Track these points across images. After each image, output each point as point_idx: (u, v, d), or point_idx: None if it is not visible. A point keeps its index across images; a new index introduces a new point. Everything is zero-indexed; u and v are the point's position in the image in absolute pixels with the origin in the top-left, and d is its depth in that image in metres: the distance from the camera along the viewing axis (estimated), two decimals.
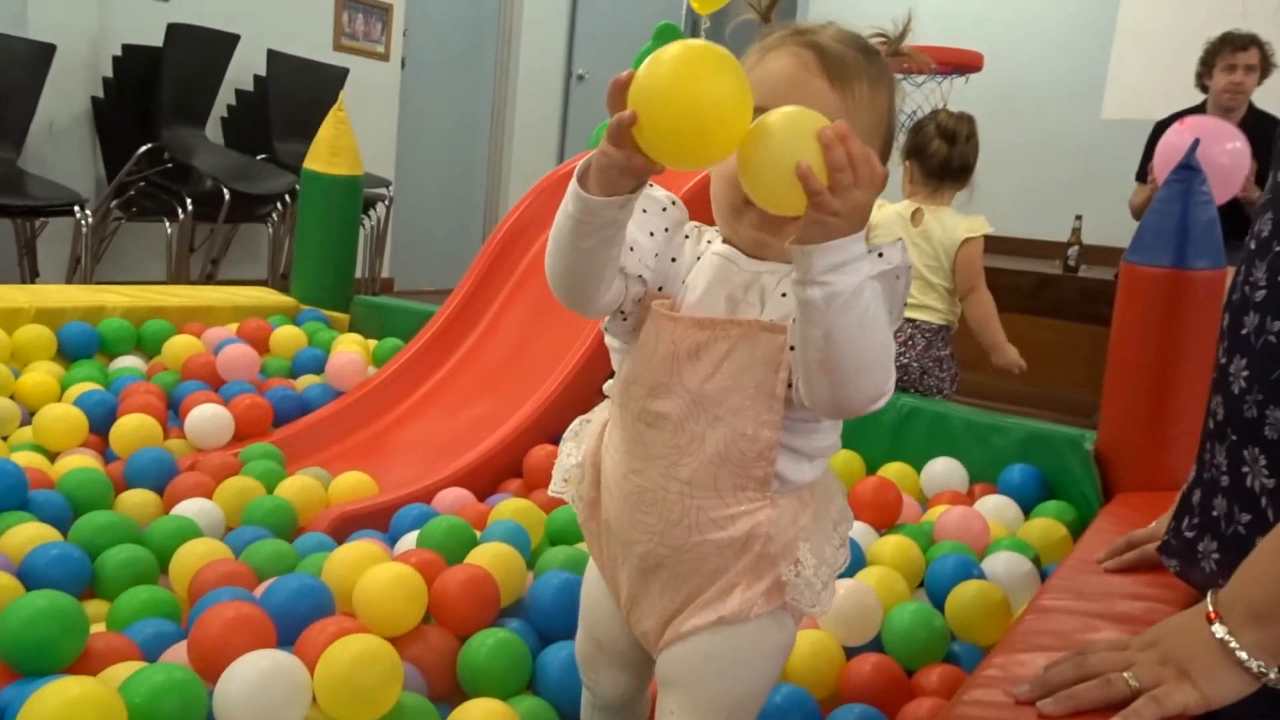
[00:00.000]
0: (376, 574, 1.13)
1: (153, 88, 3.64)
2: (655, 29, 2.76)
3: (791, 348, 0.77)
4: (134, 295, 2.30)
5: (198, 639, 1.02)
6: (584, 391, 1.86)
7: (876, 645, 1.23)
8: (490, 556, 1.26)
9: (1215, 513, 0.84)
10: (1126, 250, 1.60)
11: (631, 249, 0.82)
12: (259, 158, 4.08)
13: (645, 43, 2.74)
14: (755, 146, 0.69)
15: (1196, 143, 1.54)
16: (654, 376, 0.81)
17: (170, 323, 2.22)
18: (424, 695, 1.06)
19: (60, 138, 3.67)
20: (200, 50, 3.83)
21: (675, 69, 0.68)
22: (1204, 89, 3.34)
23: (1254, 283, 0.81)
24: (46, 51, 3.36)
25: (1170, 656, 0.71)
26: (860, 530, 1.48)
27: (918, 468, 1.78)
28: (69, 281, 3.43)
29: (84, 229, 3.26)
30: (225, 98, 4.13)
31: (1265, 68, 3.22)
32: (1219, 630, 0.69)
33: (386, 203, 4.61)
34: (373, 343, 2.34)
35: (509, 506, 1.49)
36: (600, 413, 0.93)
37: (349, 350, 2.19)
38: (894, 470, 1.77)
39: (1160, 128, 3.45)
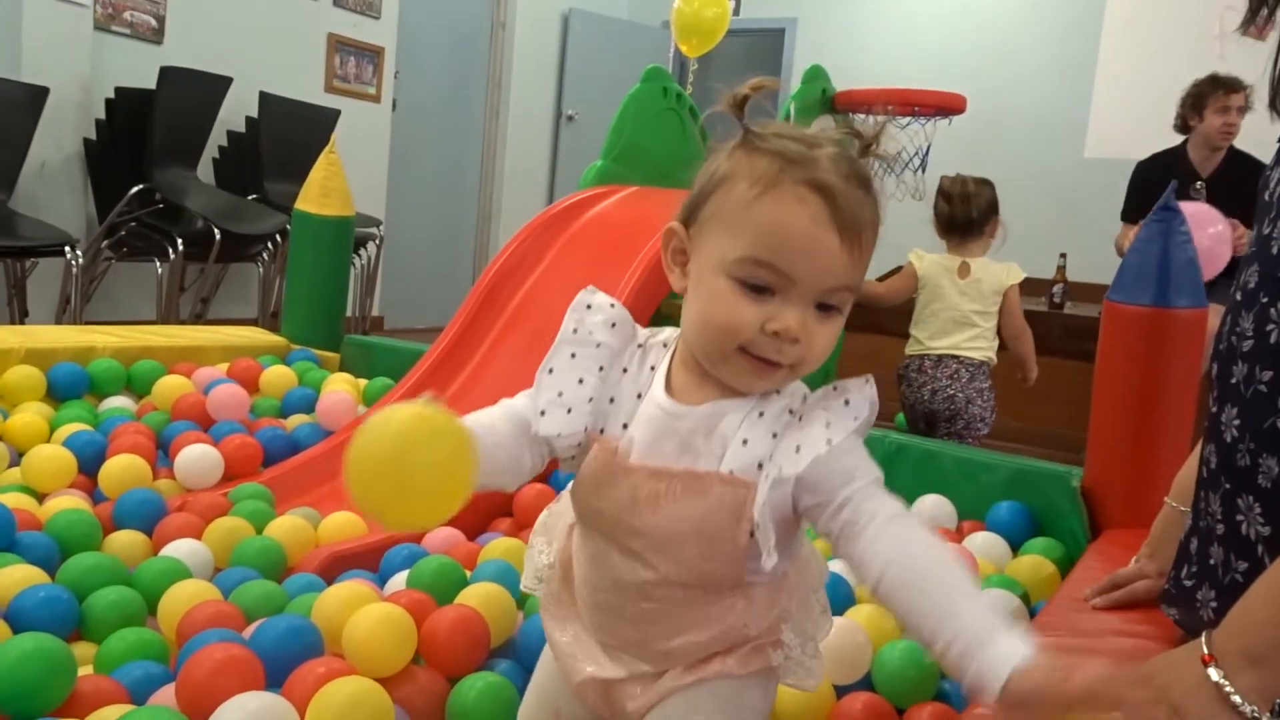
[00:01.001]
0: (365, 614, 1.12)
1: (145, 129, 3.67)
2: (644, 71, 2.81)
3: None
4: (124, 335, 2.30)
5: (186, 681, 1.01)
6: None
7: (867, 684, 1.23)
8: (480, 596, 1.26)
9: (1212, 561, 0.84)
10: (1109, 289, 1.62)
11: (561, 397, 0.80)
12: (250, 198, 4.10)
13: (634, 85, 2.78)
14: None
15: (1175, 183, 1.57)
16: (618, 515, 0.80)
17: (160, 363, 2.22)
18: None
19: (52, 178, 3.68)
20: (193, 92, 3.87)
21: (379, 453, 0.67)
22: (1184, 130, 3.40)
23: (1240, 333, 0.83)
24: (39, 94, 3.39)
25: (1164, 697, 0.69)
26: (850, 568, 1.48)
27: (907, 504, 1.78)
28: (58, 321, 3.43)
29: (74, 269, 3.27)
30: (217, 139, 4.16)
31: (1246, 109, 3.30)
32: (1214, 674, 0.68)
33: (377, 242, 4.63)
34: (363, 382, 2.34)
35: (499, 546, 1.49)
36: (565, 504, 0.91)
37: (339, 390, 2.19)
38: None
39: (1141, 168, 3.51)
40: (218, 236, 3.66)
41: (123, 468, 1.69)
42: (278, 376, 2.26)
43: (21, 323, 3.38)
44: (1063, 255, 4.40)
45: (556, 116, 6.18)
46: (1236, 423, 0.81)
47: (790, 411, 0.79)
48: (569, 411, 0.81)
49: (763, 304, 0.74)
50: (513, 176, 5.95)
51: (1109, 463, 1.63)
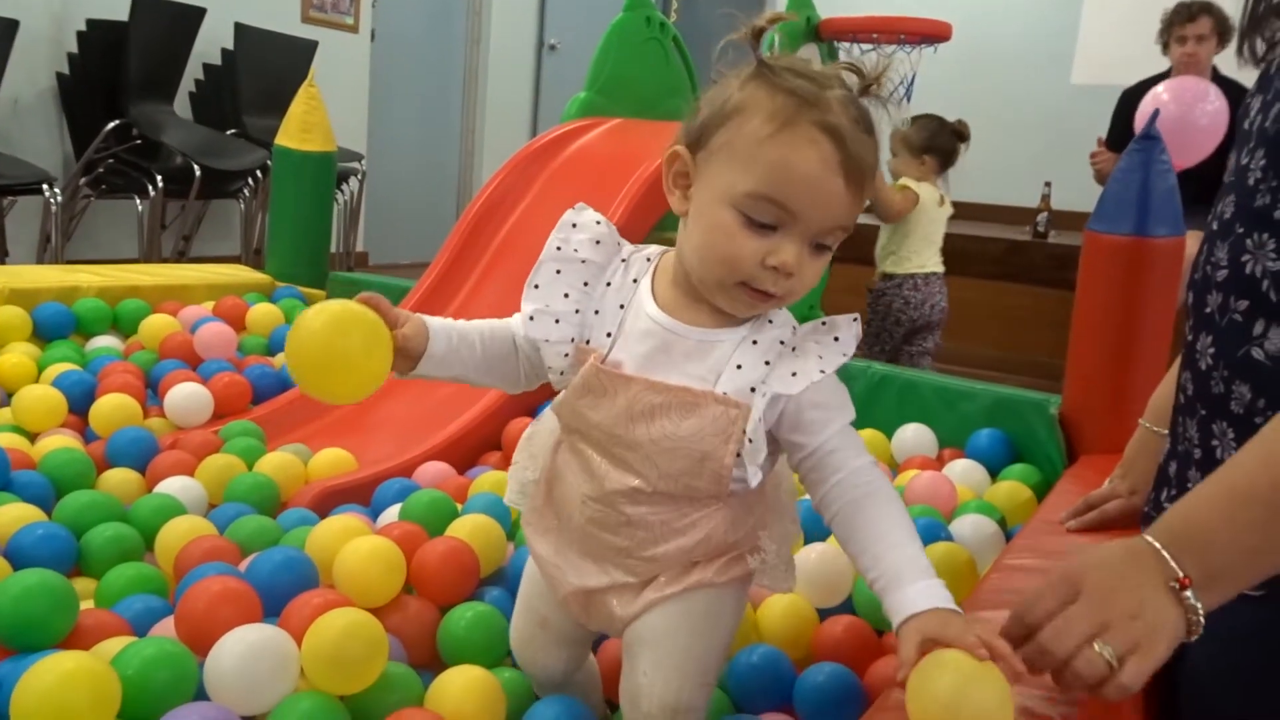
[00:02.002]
0: (356, 547, 1.14)
1: (119, 63, 3.60)
2: (626, 0, 2.75)
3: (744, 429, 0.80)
4: (108, 275, 2.29)
5: (185, 613, 1.04)
6: None
7: (848, 607, 1.27)
8: (471, 528, 1.28)
9: (1190, 484, 0.86)
10: (1090, 218, 1.63)
11: (548, 308, 0.85)
12: (229, 133, 4.04)
13: (617, 14, 2.74)
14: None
15: (1156, 114, 1.58)
16: (612, 427, 0.83)
17: (146, 302, 2.22)
18: (405, 664, 1.09)
19: (26, 115, 3.62)
20: (166, 24, 3.78)
21: (309, 339, 0.80)
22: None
23: (1215, 262, 0.84)
24: (9, 28, 3.31)
25: (1139, 614, 0.67)
26: None
27: (889, 434, 1.82)
28: (39, 261, 3.40)
29: (54, 207, 3.23)
30: (193, 72, 4.08)
31: (1223, 32, 3.25)
32: (1190, 596, 0.67)
33: (360, 177, 4.58)
34: None
35: (489, 479, 1.52)
36: (548, 422, 0.94)
37: None
38: (865, 437, 1.79)
39: (1127, 94, 3.49)
40: (198, 173, 3.61)
41: (114, 407, 1.70)
42: (264, 314, 2.26)
43: (2, 263, 3.35)
44: (1047, 184, 4.39)
45: (539, 46, 6.07)
46: (1211, 350, 0.83)
47: (782, 342, 0.83)
48: (556, 322, 0.85)
49: (764, 238, 0.77)
50: (495, 108, 5.86)
51: (1087, 390, 1.66)
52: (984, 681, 0.66)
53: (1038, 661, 0.70)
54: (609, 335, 0.85)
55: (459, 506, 1.42)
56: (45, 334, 2.04)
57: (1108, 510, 1.15)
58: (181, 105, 4.06)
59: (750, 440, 0.80)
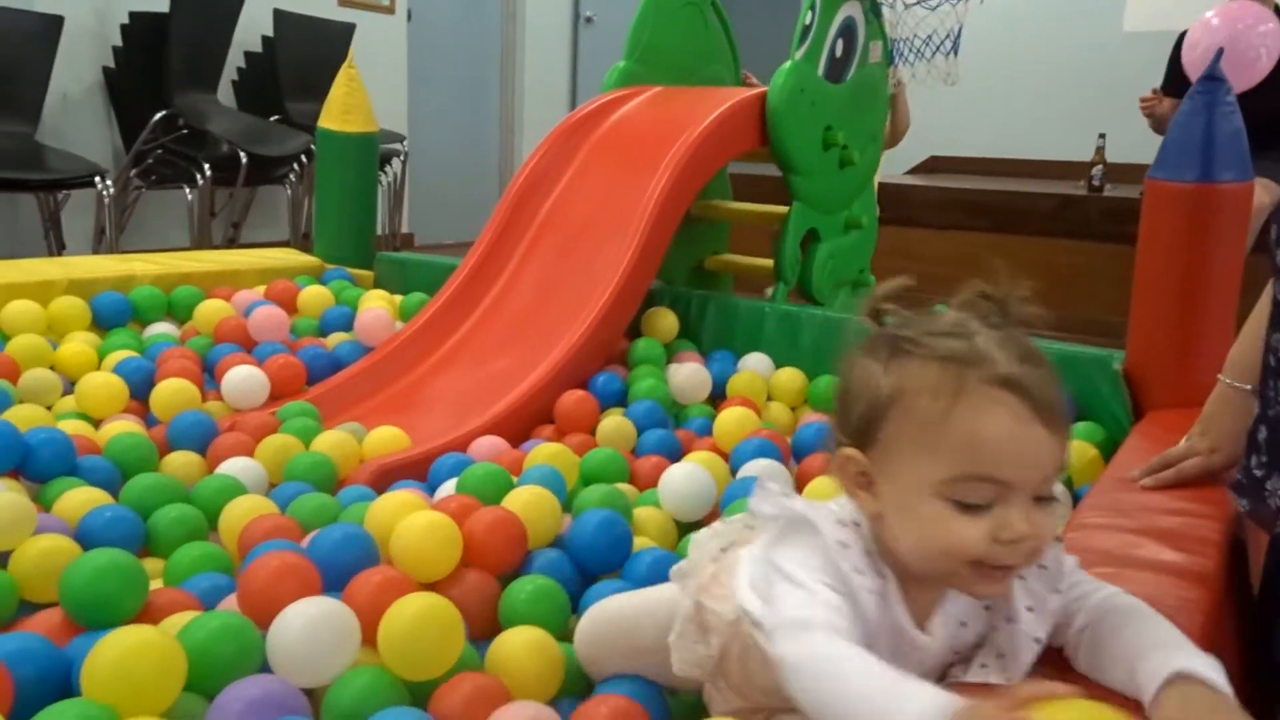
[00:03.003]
0: (411, 522, 1.15)
1: (162, 54, 3.64)
2: None
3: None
4: (162, 263, 2.33)
5: (247, 587, 1.05)
6: (609, 336, 1.87)
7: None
8: (526, 499, 1.28)
9: None
10: (1151, 166, 1.58)
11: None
12: (272, 119, 4.08)
13: None
14: None
15: (1220, 53, 1.51)
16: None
17: (199, 288, 2.25)
18: (466, 636, 1.09)
19: (75, 110, 3.68)
20: (206, 14, 3.82)
21: None
22: None
23: None
24: (55, 24, 3.36)
25: None
26: None
27: None
28: (95, 252, 3.46)
29: (106, 200, 3.29)
30: (235, 60, 4.12)
31: None
32: None
33: (402, 158, 4.60)
34: (398, 298, 2.36)
35: (543, 451, 1.52)
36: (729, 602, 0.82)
37: (376, 306, 2.21)
38: None
39: (1183, 39, 3.37)
40: (244, 160, 3.66)
41: (173, 392, 1.73)
42: (314, 296, 2.28)
43: (60, 255, 3.42)
44: (1101, 135, 4.27)
45: (575, 19, 6.03)
46: None
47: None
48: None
49: (983, 517, 0.69)
50: (533, 83, 5.84)
51: (1151, 344, 1.61)
52: None
53: None
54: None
55: (514, 479, 1.42)
56: (104, 323, 2.08)
57: (1185, 469, 1.11)
58: (225, 93, 4.10)
59: None
